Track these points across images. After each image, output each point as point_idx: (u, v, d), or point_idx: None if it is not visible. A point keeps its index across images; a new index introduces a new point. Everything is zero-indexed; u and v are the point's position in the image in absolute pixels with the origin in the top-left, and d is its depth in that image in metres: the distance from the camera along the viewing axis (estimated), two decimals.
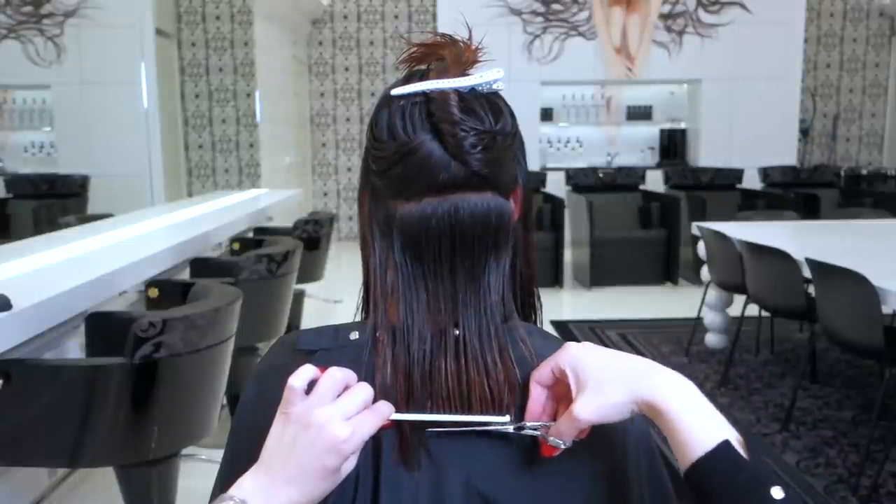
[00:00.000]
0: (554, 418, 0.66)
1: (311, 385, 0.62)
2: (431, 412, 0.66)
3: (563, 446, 0.64)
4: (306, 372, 0.62)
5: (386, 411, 0.63)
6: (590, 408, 0.61)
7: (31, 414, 1.57)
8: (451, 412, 0.66)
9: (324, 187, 8.72)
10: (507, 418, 0.65)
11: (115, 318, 1.89)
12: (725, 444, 0.58)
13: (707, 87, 7.82)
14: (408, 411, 0.66)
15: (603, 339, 4.60)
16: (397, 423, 0.65)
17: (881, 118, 8.90)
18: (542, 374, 0.66)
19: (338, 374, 0.62)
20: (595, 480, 0.67)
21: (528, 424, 0.65)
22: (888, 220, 4.71)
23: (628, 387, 0.61)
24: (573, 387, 0.63)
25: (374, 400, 0.65)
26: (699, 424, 0.59)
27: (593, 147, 8.37)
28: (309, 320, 3.87)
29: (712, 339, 4.28)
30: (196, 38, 6.60)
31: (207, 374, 1.79)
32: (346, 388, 0.62)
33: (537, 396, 0.66)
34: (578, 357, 0.64)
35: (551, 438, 0.64)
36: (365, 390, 0.62)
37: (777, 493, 0.57)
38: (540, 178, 6.95)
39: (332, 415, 0.60)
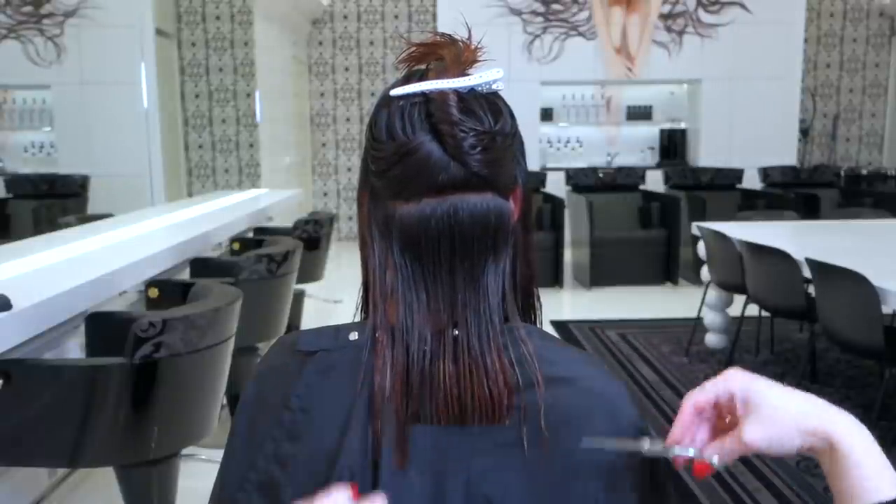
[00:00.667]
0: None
1: None
2: (430, 411, 0.66)
3: (717, 467, 0.63)
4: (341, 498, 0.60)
5: None
6: (761, 436, 0.60)
7: (31, 414, 1.58)
8: (449, 412, 0.66)
9: (324, 187, 8.72)
10: (661, 445, 0.63)
11: (115, 318, 1.89)
12: None
13: (707, 87, 7.82)
14: (406, 412, 0.66)
15: (603, 338, 4.60)
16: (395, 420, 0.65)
17: (881, 118, 8.91)
18: (700, 399, 0.64)
19: None
20: (594, 479, 0.67)
21: (678, 449, 0.63)
22: (888, 220, 4.71)
23: (806, 419, 0.61)
24: (740, 411, 0.62)
25: (375, 397, 0.65)
26: (877, 471, 0.58)
27: (593, 147, 8.37)
28: (309, 320, 3.87)
29: (712, 339, 4.28)
30: (196, 38, 6.60)
31: (207, 374, 1.79)
32: None
33: (688, 420, 0.64)
34: (750, 383, 0.63)
35: (714, 460, 0.62)
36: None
37: None
38: (540, 178, 6.95)
39: None
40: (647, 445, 0.64)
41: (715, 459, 0.62)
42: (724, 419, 0.64)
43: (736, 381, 0.63)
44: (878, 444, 0.61)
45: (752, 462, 2.83)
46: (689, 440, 0.64)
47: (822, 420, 0.60)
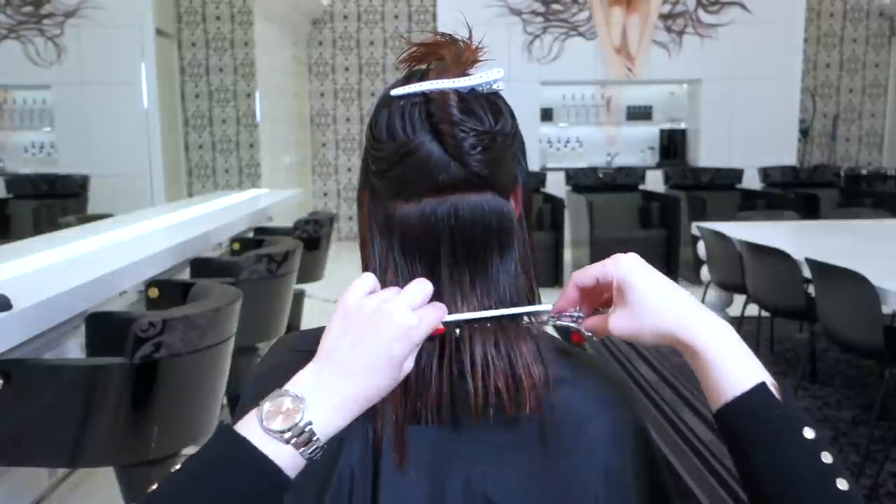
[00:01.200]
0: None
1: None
2: (431, 411, 0.66)
3: (593, 338, 0.69)
4: (370, 278, 0.64)
5: (443, 308, 0.64)
6: (624, 328, 0.64)
7: (31, 414, 1.57)
8: (449, 413, 0.66)
9: (324, 187, 8.72)
10: (549, 307, 0.69)
11: (115, 318, 1.89)
12: (762, 386, 0.59)
13: (707, 87, 7.83)
14: (406, 412, 0.66)
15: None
16: (392, 415, 0.66)
17: (881, 118, 8.91)
18: (584, 278, 0.68)
19: (412, 285, 0.63)
20: (595, 479, 0.67)
21: (564, 315, 0.69)
22: (888, 220, 4.71)
23: (669, 319, 0.63)
24: (615, 299, 0.65)
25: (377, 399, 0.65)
26: (736, 366, 0.60)
27: (593, 147, 8.37)
28: (309, 320, 3.87)
29: None
30: (196, 38, 6.60)
31: (207, 374, 1.79)
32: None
33: (572, 296, 0.69)
34: (634, 273, 0.65)
35: (584, 330, 0.68)
36: (427, 284, 0.64)
37: (809, 433, 0.58)
38: (540, 178, 6.95)
39: (400, 304, 0.61)
40: (545, 316, 0.70)
41: (584, 331, 0.69)
42: (602, 296, 0.69)
43: (617, 269, 0.66)
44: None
45: None
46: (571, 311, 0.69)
47: (680, 325, 0.62)
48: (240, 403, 0.76)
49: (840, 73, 8.80)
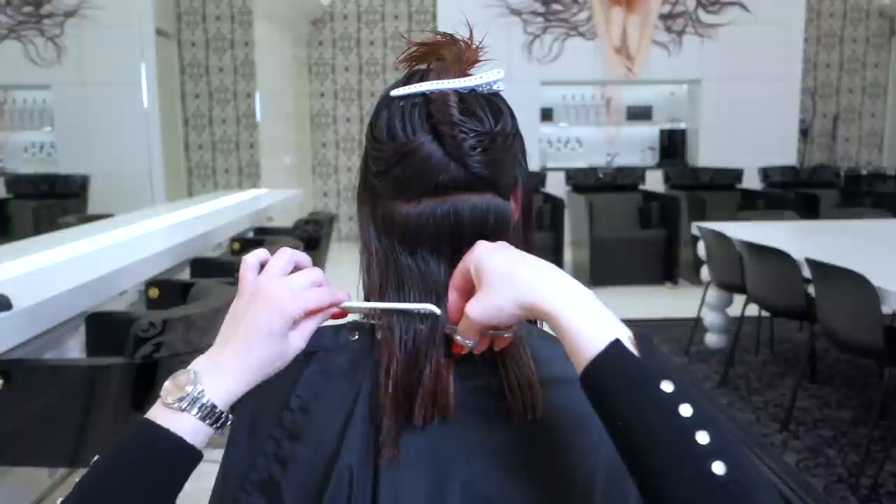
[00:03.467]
0: None
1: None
2: (430, 412, 0.66)
3: (469, 345, 0.65)
4: (261, 251, 0.67)
5: (340, 295, 0.66)
6: (478, 308, 0.61)
7: (31, 414, 1.57)
8: (449, 413, 0.66)
9: (324, 187, 8.72)
10: (436, 309, 0.66)
11: (115, 318, 1.89)
12: (615, 343, 0.56)
13: (707, 87, 7.83)
14: (407, 412, 0.66)
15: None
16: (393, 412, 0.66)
17: (881, 118, 8.91)
18: (455, 278, 0.66)
19: (287, 253, 0.66)
20: (595, 478, 0.67)
21: (448, 327, 0.66)
22: (888, 220, 4.71)
23: (517, 291, 0.60)
24: (476, 286, 0.63)
25: (378, 397, 0.66)
26: (589, 327, 0.57)
27: (593, 147, 8.37)
28: None
29: (712, 339, 4.28)
30: (196, 38, 6.60)
31: None
32: (297, 269, 0.66)
33: (454, 301, 0.66)
34: (483, 257, 0.63)
35: (458, 337, 0.65)
36: (315, 272, 0.66)
37: (667, 386, 0.54)
38: (540, 178, 6.95)
39: (280, 283, 0.64)
40: (438, 311, 0.67)
41: (458, 339, 0.65)
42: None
43: (473, 256, 0.64)
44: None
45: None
46: (458, 319, 0.65)
47: (533, 292, 0.60)
48: (240, 403, 0.76)
49: (840, 73, 8.80)
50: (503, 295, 0.60)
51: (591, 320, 0.58)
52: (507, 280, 0.61)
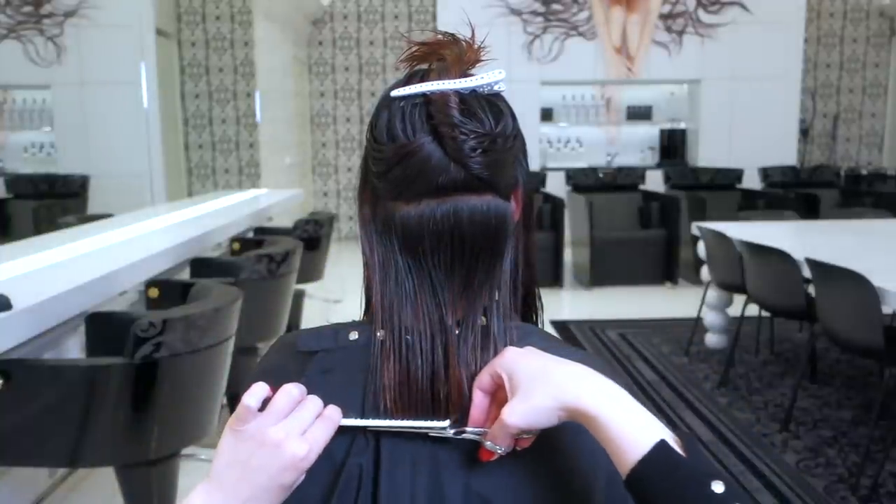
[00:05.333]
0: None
1: (265, 402, 0.63)
2: (433, 412, 0.66)
3: (500, 451, 0.63)
4: (260, 389, 0.63)
5: (336, 417, 0.64)
6: (517, 412, 0.60)
7: (31, 414, 1.57)
8: (449, 414, 0.66)
9: (324, 187, 8.72)
10: (446, 423, 0.65)
11: (115, 318, 1.89)
12: (661, 445, 0.56)
13: (707, 87, 7.83)
14: (407, 412, 0.66)
15: (603, 338, 4.60)
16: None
17: (881, 118, 8.91)
18: (482, 380, 0.65)
19: (293, 392, 0.63)
20: (593, 481, 0.67)
21: (469, 430, 0.65)
22: (888, 220, 4.71)
23: (555, 392, 0.60)
24: (508, 391, 0.62)
25: (379, 398, 0.66)
26: (632, 427, 0.57)
27: (593, 147, 8.37)
28: (309, 320, 3.87)
29: (712, 339, 4.28)
30: (196, 38, 6.60)
31: (207, 374, 1.79)
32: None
33: (479, 402, 0.65)
34: (514, 361, 0.63)
35: (487, 443, 0.63)
36: (316, 403, 0.64)
37: (717, 487, 0.54)
38: (540, 178, 6.95)
39: (288, 431, 0.61)
40: (450, 432, 0.65)
41: (487, 444, 0.63)
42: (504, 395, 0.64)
43: (504, 360, 0.63)
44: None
45: (751, 462, 2.83)
46: (483, 421, 0.64)
47: (568, 391, 0.59)
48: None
49: (840, 73, 8.80)
50: (542, 397, 0.60)
51: (634, 420, 0.58)
52: (544, 382, 0.60)
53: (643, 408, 0.59)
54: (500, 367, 0.63)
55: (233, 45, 6.58)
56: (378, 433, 0.66)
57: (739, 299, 3.84)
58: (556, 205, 6.18)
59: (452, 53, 0.67)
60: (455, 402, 0.66)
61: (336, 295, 5.31)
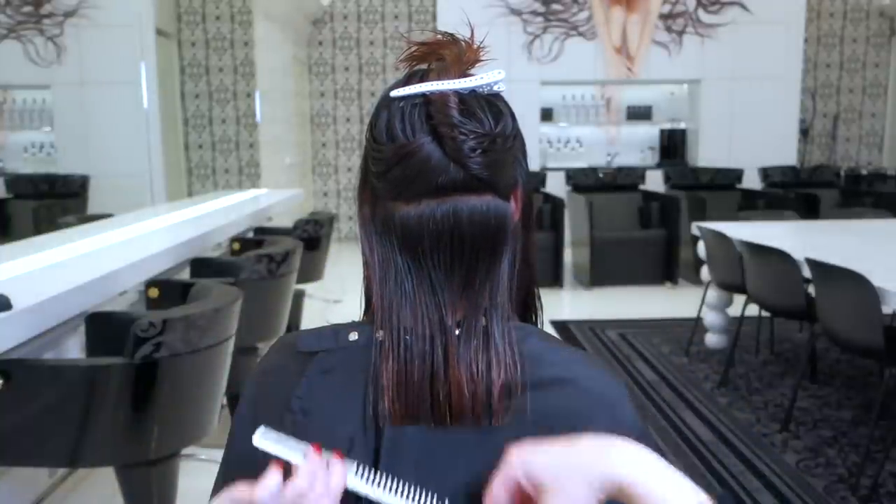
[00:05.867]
0: None
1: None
2: (432, 413, 0.66)
3: None
4: (272, 483, 0.59)
5: (342, 480, 0.62)
6: None
7: (31, 414, 1.57)
8: (449, 413, 0.66)
9: (324, 187, 8.72)
10: None
11: (115, 318, 1.89)
12: None
13: (707, 87, 7.83)
14: (407, 412, 0.66)
15: (603, 338, 4.60)
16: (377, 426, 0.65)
17: (881, 118, 8.91)
18: (497, 497, 0.61)
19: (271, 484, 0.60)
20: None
21: None
22: (888, 220, 4.71)
23: (588, 478, 0.58)
24: (533, 494, 0.59)
25: (379, 398, 0.66)
26: (672, 495, 0.56)
27: (593, 147, 8.37)
28: (309, 320, 3.87)
29: (712, 339, 4.28)
30: (196, 38, 6.60)
31: (207, 374, 1.79)
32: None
33: None
34: (526, 463, 0.60)
35: None
36: (334, 477, 0.61)
37: None
38: (540, 178, 6.95)
39: None
40: None
41: None
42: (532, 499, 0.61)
43: (514, 468, 0.60)
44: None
45: (751, 462, 2.83)
46: None
47: (600, 470, 0.57)
48: (239, 403, 0.76)
49: (840, 73, 8.80)
50: (580, 485, 0.57)
51: (671, 486, 0.57)
52: (569, 471, 0.58)
53: (672, 468, 0.58)
54: (515, 475, 0.60)
55: (233, 45, 6.58)
56: (378, 432, 0.66)
57: (739, 299, 3.84)
58: (556, 205, 6.18)
59: (452, 53, 0.67)
60: (455, 403, 0.66)
61: (336, 295, 5.31)
